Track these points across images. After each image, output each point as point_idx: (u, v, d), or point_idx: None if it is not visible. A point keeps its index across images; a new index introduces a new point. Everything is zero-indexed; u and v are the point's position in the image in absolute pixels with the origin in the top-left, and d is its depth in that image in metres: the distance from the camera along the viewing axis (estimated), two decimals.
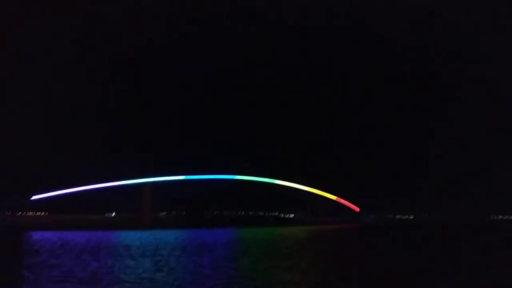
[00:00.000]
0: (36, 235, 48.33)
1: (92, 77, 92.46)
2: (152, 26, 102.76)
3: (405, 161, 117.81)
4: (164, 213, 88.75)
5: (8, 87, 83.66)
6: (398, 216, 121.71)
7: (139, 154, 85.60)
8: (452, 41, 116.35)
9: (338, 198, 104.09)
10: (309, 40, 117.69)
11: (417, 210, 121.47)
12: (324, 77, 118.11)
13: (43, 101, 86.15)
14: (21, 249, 30.95)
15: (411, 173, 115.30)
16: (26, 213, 74.96)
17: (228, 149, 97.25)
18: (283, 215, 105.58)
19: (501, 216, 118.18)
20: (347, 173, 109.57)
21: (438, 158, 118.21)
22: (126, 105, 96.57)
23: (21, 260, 22.68)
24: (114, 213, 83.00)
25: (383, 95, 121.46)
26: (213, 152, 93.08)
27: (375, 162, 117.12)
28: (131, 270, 18.48)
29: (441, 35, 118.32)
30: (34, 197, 69.36)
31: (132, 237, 44.32)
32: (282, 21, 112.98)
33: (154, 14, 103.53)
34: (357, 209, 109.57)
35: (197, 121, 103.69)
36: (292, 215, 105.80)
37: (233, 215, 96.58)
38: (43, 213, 75.75)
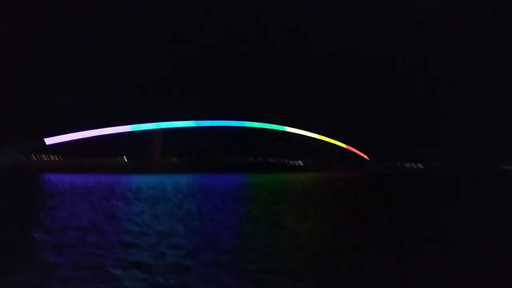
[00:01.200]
0: (51, 177, 49.58)
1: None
2: None
3: (416, 111, 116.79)
4: (175, 158, 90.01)
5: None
6: (407, 165, 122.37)
7: (151, 99, 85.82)
8: None
9: (348, 146, 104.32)
10: None
11: (427, 159, 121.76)
12: (334, 26, 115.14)
13: (59, 48, 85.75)
14: (36, 191, 31.86)
15: (422, 123, 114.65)
16: (41, 156, 76.55)
17: (239, 95, 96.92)
18: (292, 162, 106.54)
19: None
20: (358, 121, 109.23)
21: (449, 108, 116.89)
22: (139, 51, 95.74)
23: (37, 201, 23.41)
24: (126, 158, 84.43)
25: (398, 44, 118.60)
26: (224, 99, 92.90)
27: (386, 112, 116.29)
28: (141, 212, 19.03)
29: None
30: (48, 141, 70.55)
31: (143, 181, 45.27)
32: None
33: None
34: (367, 158, 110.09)
35: (209, 67, 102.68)
36: (301, 163, 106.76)
37: (243, 161, 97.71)
38: (57, 156, 77.37)
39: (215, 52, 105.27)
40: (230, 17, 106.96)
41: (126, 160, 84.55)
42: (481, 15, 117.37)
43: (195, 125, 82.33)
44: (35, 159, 75.32)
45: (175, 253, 10.74)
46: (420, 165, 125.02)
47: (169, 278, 8.64)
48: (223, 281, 8.49)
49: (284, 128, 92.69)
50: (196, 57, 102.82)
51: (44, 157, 76.99)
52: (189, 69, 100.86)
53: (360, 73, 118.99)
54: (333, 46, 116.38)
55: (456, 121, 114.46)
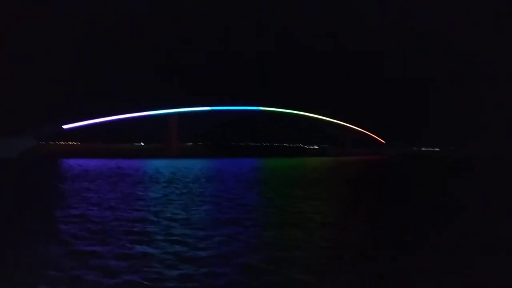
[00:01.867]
0: (69, 162, 50.35)
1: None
2: None
3: (432, 96, 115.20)
4: (191, 143, 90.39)
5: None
6: (423, 149, 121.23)
7: (167, 85, 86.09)
8: None
9: (364, 130, 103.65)
10: None
11: (443, 143, 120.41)
12: (349, 10, 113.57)
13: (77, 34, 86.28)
14: (55, 174, 32.41)
15: (437, 107, 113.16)
16: (59, 141, 77.55)
17: (254, 80, 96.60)
18: (308, 146, 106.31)
19: None
20: (374, 106, 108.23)
21: (465, 92, 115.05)
22: (154, 38, 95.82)
23: (57, 184, 23.84)
24: (142, 143, 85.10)
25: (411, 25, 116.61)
26: (239, 84, 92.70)
27: (402, 96, 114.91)
28: (157, 194, 19.26)
29: None
30: (66, 126, 71.39)
31: (159, 165, 45.69)
32: None
33: None
34: (383, 142, 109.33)
35: (224, 52, 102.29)
36: (317, 147, 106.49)
37: (258, 145, 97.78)
38: (75, 142, 78.32)
39: (230, 36, 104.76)
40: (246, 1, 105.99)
41: (142, 145, 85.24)
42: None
43: (211, 110, 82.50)
44: (53, 144, 76.33)
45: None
46: (437, 149, 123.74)
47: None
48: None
49: (300, 113, 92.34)
50: (211, 42, 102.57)
51: (62, 142, 77.97)
52: (205, 54, 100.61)
53: (376, 56, 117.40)
54: (345, 31, 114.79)
55: (473, 104, 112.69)
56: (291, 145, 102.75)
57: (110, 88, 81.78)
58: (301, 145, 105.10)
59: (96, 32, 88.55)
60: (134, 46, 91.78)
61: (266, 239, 10.57)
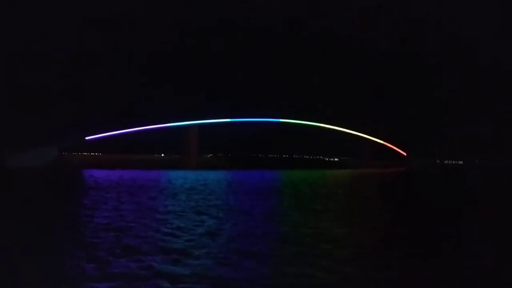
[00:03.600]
0: (91, 172, 51.08)
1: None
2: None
3: (454, 106, 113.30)
4: (210, 154, 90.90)
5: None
6: (446, 161, 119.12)
7: (187, 97, 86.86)
8: None
9: (385, 142, 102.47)
10: None
11: (467, 156, 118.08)
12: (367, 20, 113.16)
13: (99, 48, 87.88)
14: (78, 185, 32.87)
15: (460, 118, 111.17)
16: (82, 152, 79.01)
17: (274, 92, 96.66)
18: (328, 158, 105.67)
19: None
20: (396, 117, 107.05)
21: (489, 103, 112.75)
22: (174, 52, 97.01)
23: (79, 195, 24.15)
24: (163, 154, 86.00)
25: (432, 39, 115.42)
26: (259, 96, 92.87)
27: (424, 107, 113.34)
28: (179, 205, 19.32)
29: None
30: (88, 138, 72.65)
31: (179, 176, 45.95)
32: None
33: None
34: (405, 154, 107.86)
35: (243, 65, 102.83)
36: (337, 159, 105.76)
37: (278, 157, 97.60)
38: (97, 153, 79.68)
39: (250, 48, 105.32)
40: (262, 11, 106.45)
41: (163, 156, 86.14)
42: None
43: (230, 122, 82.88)
44: (76, 155, 77.78)
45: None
46: (460, 162, 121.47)
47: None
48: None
49: (319, 124, 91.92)
50: (232, 54, 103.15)
51: (85, 153, 79.40)
52: (225, 65, 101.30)
53: (395, 69, 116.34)
54: (370, 41, 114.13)
55: (498, 116, 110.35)
56: (310, 157, 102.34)
57: (131, 100, 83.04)
58: (321, 157, 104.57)
59: (118, 44, 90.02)
60: (155, 58, 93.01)
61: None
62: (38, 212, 16.93)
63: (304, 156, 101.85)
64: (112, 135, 73.69)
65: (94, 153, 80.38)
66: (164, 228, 13.32)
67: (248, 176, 50.26)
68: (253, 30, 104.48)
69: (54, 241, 11.29)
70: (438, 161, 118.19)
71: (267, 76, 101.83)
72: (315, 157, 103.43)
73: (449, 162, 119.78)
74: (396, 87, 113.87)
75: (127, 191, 26.04)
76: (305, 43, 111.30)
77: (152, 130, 76.86)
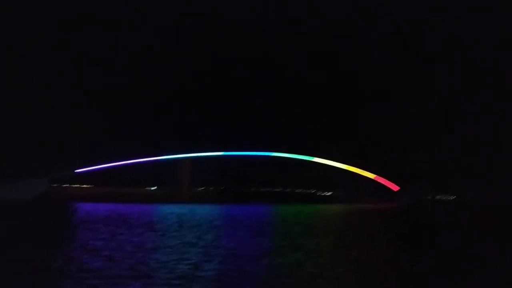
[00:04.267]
0: (80, 206, 50.49)
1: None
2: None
3: (447, 140, 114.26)
4: (203, 188, 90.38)
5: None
6: (438, 196, 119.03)
7: (179, 130, 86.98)
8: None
9: (377, 176, 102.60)
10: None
11: (460, 190, 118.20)
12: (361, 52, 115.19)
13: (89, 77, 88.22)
14: (64, 219, 32.43)
15: (453, 152, 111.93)
16: (72, 184, 78.28)
17: (266, 126, 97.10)
18: (320, 192, 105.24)
19: None
20: (387, 151, 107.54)
21: (482, 136, 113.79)
22: (166, 80, 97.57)
23: (62, 230, 23.83)
24: (154, 187, 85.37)
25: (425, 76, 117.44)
26: (251, 129, 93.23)
27: (416, 140, 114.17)
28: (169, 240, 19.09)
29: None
30: (79, 170, 72.12)
31: (170, 211, 45.53)
32: None
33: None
34: (396, 188, 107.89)
35: (236, 98, 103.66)
36: (329, 193, 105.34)
37: (270, 191, 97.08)
38: (87, 185, 78.97)
39: (243, 80, 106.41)
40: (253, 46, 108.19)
41: (154, 189, 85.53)
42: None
43: (223, 155, 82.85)
44: (66, 187, 77.03)
45: None
46: (453, 197, 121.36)
47: None
48: None
49: (312, 158, 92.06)
50: (223, 86, 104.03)
51: (75, 185, 78.66)
52: (217, 97, 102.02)
53: (384, 103, 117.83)
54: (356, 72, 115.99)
55: (492, 150, 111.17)
56: (302, 191, 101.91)
57: (123, 133, 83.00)
58: (314, 191, 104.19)
59: (108, 74, 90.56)
60: (148, 89, 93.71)
61: None
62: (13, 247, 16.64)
63: (296, 190, 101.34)
64: (103, 167, 73.26)
65: (85, 185, 79.66)
66: (133, 269, 13.11)
67: (240, 210, 49.91)
68: (244, 62, 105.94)
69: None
70: (429, 195, 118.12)
71: (261, 109, 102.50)
72: (307, 191, 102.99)
73: (441, 197, 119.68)
74: (388, 120, 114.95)
75: (114, 225, 25.72)
76: (297, 74, 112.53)
77: (144, 163, 76.62)
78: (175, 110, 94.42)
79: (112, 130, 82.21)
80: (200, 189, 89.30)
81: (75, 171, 72.13)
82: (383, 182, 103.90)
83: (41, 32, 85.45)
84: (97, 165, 72.95)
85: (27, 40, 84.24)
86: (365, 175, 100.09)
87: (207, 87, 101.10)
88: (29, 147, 73.68)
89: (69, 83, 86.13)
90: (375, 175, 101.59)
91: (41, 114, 79.06)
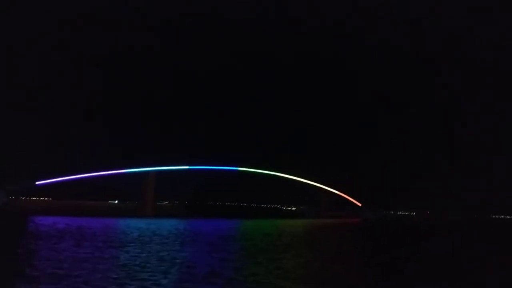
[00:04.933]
0: (39, 219, 48.92)
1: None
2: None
3: (409, 159, 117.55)
4: (167, 202, 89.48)
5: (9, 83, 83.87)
6: (399, 213, 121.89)
7: (144, 143, 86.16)
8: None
9: (341, 192, 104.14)
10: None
11: (419, 207, 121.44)
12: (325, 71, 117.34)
13: (47, 90, 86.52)
14: (23, 232, 31.45)
15: (414, 171, 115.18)
16: (32, 197, 75.90)
17: (233, 141, 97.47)
18: (285, 207, 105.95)
19: (502, 216, 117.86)
20: (351, 168, 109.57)
21: (442, 157, 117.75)
22: (131, 96, 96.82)
23: (22, 243, 23.13)
24: (117, 201, 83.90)
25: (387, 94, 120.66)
26: (218, 144, 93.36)
27: (379, 159, 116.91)
28: (126, 259, 18.84)
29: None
30: (39, 183, 69.97)
31: (132, 225, 44.78)
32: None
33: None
34: (359, 204, 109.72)
35: (203, 112, 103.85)
36: (294, 208, 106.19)
37: (236, 206, 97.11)
38: (48, 198, 76.79)
39: (210, 96, 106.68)
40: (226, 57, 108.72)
41: (117, 203, 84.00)
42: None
43: (188, 169, 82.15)
44: (25, 200, 74.64)
45: None
46: (413, 213, 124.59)
47: None
48: None
49: (277, 174, 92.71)
50: (190, 101, 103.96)
51: (35, 198, 76.35)
52: (184, 112, 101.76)
53: (352, 120, 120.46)
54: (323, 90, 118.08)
55: (448, 170, 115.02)
56: (268, 206, 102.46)
57: (86, 145, 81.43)
58: (279, 206, 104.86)
59: (71, 92, 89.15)
60: (112, 104, 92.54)
61: None
62: None
63: (262, 205, 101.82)
64: (64, 180, 71.29)
65: (45, 198, 77.40)
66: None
67: (204, 225, 49.58)
68: (216, 81, 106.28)
69: None
70: (392, 212, 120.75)
71: (228, 125, 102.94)
72: (272, 206, 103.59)
73: (402, 213, 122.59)
74: (352, 140, 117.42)
75: (70, 240, 25.15)
76: (266, 91, 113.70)
77: (107, 176, 74.94)
78: (141, 122, 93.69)
79: (74, 142, 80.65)
80: (164, 203, 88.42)
81: (36, 183, 69.86)
82: (347, 198, 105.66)
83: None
84: (58, 178, 70.89)
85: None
86: (330, 191, 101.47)
87: (171, 100, 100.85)
88: None
89: (28, 95, 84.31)
90: (339, 191, 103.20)
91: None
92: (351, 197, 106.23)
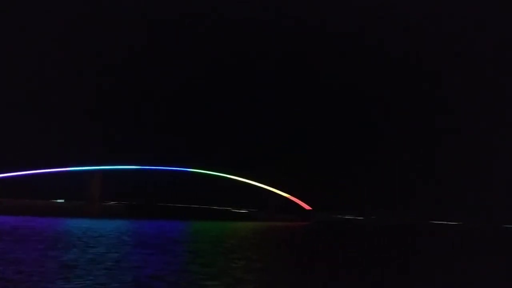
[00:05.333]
0: None
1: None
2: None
3: (357, 163, 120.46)
4: (115, 202, 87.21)
5: None
6: (347, 216, 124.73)
7: (91, 140, 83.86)
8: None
9: (292, 196, 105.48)
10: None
11: (366, 212, 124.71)
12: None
13: None
14: None
15: (361, 175, 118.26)
16: None
17: (183, 142, 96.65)
18: (236, 210, 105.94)
19: (441, 221, 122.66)
20: (301, 172, 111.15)
21: (386, 161, 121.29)
22: (79, 93, 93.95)
23: None
24: (62, 200, 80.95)
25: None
26: (168, 144, 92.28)
27: (328, 163, 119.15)
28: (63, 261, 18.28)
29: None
30: None
31: (75, 225, 43.44)
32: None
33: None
34: (309, 208, 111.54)
35: (155, 113, 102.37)
36: (245, 211, 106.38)
37: (185, 207, 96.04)
38: None
39: (162, 96, 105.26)
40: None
41: (62, 202, 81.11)
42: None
43: (138, 168, 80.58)
44: None
45: None
46: (360, 217, 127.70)
47: None
48: None
49: (228, 176, 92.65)
50: (139, 99, 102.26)
51: None
52: (133, 110, 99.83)
53: (300, 125, 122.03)
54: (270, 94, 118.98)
55: (393, 175, 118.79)
56: (218, 208, 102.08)
57: (29, 140, 78.19)
58: (230, 208, 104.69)
59: (17, 85, 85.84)
60: (58, 95, 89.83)
61: None
62: None
63: (213, 207, 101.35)
64: (4, 177, 68.10)
65: None
66: None
67: (151, 226, 48.80)
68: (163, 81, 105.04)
69: None
70: (340, 215, 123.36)
71: (179, 125, 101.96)
72: (223, 208, 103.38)
73: (350, 217, 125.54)
74: (302, 143, 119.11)
75: (7, 240, 24.11)
76: (219, 93, 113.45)
77: (52, 174, 72.24)
78: (88, 120, 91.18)
79: (17, 138, 77.27)
80: (111, 203, 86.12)
81: None
82: (296, 201, 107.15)
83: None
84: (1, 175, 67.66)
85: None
86: (280, 193, 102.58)
87: (121, 99, 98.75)
88: None
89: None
90: (289, 194, 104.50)
91: None
92: (301, 201, 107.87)
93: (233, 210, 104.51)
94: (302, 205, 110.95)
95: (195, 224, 63.24)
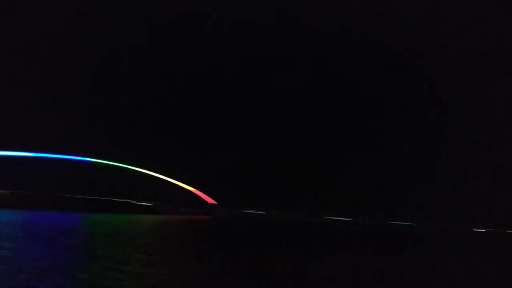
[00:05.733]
0: None
1: None
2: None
3: (261, 160, 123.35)
4: (7, 191, 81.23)
5: None
6: (251, 211, 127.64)
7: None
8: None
9: (196, 190, 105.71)
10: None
11: (269, 207, 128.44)
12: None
13: None
14: None
15: (265, 171, 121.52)
16: None
17: (85, 129, 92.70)
18: (138, 202, 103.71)
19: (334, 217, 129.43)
20: (207, 166, 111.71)
21: (289, 157, 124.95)
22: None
23: None
24: None
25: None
26: (67, 131, 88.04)
27: (233, 159, 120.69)
28: None
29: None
30: None
31: None
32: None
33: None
34: (214, 202, 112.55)
35: (56, 98, 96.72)
36: (147, 203, 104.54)
37: (85, 198, 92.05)
38: None
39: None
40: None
41: None
42: None
43: (33, 156, 75.73)
44: None
45: None
46: (263, 212, 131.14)
47: None
48: None
49: (131, 167, 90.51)
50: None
51: None
52: (28, 97, 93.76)
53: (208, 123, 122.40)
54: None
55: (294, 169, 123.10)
56: (120, 200, 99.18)
57: None
58: (131, 200, 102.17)
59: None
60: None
61: None
62: None
63: (113, 199, 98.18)
64: None
65: None
66: None
67: (44, 217, 46.23)
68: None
69: None
70: (243, 210, 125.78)
71: (76, 113, 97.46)
72: (124, 200, 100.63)
73: (253, 212, 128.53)
74: (212, 138, 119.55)
75: None
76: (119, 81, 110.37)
77: None
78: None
79: None
80: (4, 192, 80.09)
81: None
82: (200, 196, 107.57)
83: None
84: None
85: None
86: (184, 187, 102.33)
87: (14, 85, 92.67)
88: None
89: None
90: (193, 188, 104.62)
91: None
92: (205, 195, 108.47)
93: (134, 203, 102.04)
94: (206, 199, 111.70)
95: (92, 216, 60.97)
